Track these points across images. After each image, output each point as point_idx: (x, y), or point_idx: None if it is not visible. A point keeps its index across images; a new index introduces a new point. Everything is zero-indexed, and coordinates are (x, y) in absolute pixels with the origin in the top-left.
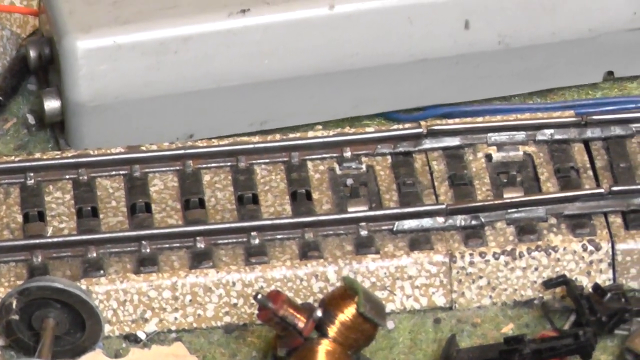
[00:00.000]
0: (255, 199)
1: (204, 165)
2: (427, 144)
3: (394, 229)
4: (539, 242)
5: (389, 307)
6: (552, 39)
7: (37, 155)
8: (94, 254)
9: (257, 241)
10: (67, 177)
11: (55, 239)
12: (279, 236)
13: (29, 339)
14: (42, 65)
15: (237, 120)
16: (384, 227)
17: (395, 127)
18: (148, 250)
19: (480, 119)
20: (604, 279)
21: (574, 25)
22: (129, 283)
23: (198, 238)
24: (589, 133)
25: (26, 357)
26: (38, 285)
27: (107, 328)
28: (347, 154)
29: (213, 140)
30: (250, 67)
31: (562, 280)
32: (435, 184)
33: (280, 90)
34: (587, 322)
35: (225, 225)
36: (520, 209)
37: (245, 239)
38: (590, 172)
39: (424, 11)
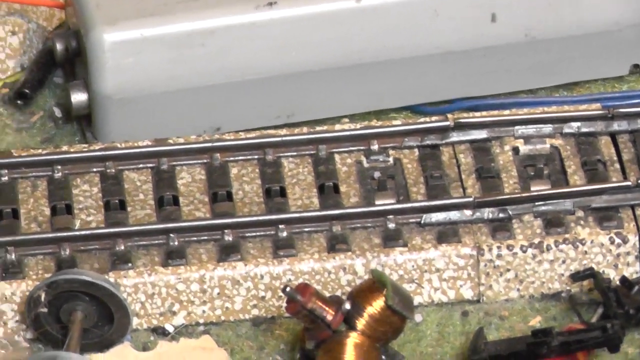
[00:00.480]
0: (282, 192)
1: (232, 158)
2: (454, 136)
3: (422, 221)
4: (567, 235)
5: (416, 300)
6: (578, 32)
7: (65, 148)
8: (122, 247)
9: (284, 234)
10: (95, 170)
11: (83, 232)
12: (306, 229)
13: (57, 332)
14: (69, 58)
15: (264, 113)
16: (411, 220)
17: (422, 120)
18: (176, 243)
19: (507, 111)
20: (632, 271)
21: (600, 17)
22: (157, 276)
23: (226, 231)
24: (616, 126)
25: (54, 350)
26: (66, 278)
27: (135, 321)
28: (375, 146)
29: (240, 133)
30: (276, 59)
31: (589, 273)
32: (463, 176)
33: (307, 82)
34: (615, 314)
35: (253, 218)
36: (547, 202)
37: (273, 232)
38: (617, 165)
39: (450, 4)
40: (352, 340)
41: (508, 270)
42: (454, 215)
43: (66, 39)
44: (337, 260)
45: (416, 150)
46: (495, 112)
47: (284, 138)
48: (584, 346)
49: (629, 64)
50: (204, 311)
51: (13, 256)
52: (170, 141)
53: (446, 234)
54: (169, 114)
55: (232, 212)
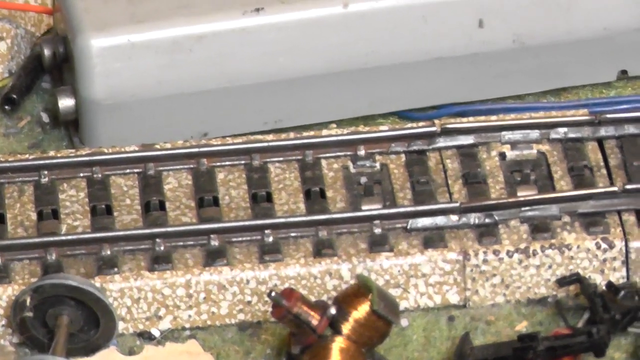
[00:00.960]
0: (269, 197)
1: (218, 164)
2: (441, 142)
3: (408, 227)
4: (553, 240)
5: (402, 304)
6: (567, 38)
7: (52, 153)
8: (108, 252)
9: (271, 239)
10: (82, 175)
11: (70, 237)
12: (292, 234)
13: (43, 336)
14: (57, 64)
15: (251, 118)
16: (397, 225)
17: (409, 125)
18: (162, 248)
19: (494, 117)
20: (618, 276)
21: (588, 24)
22: (143, 281)
23: (212, 236)
24: (603, 132)
25: (40, 355)
26: (52, 283)
27: (121, 325)
28: (361, 152)
29: (227, 138)
30: (264, 65)
31: (575, 278)
32: (449, 182)
33: (295, 88)
34: (601, 319)
35: (239, 223)
36: (534, 207)
37: (259, 237)
38: (604, 171)
39: (438, 10)
40: (338, 345)
41: (494, 275)
42: (440, 220)
43: (54, 44)
44: (323, 265)
45: (403, 155)
46: (482, 118)
47: (271, 143)
48: (570, 351)
49: (616, 69)
50: (190, 316)
51: None
52: (157, 146)
53: (432, 239)
54: (157, 120)
55: (219, 217)
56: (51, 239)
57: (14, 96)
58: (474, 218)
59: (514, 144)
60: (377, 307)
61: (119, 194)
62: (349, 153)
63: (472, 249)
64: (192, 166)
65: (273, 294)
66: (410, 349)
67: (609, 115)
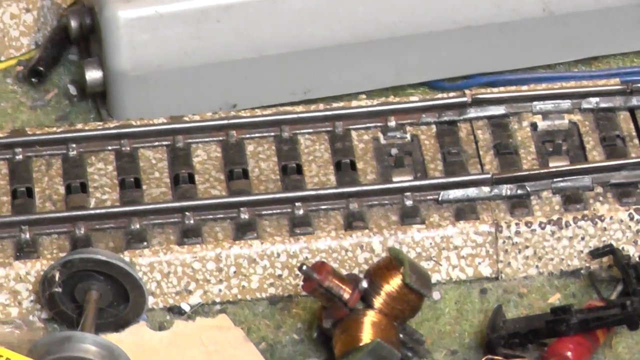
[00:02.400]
0: (299, 169)
1: (248, 136)
2: (472, 113)
3: (439, 198)
4: (585, 212)
5: (434, 277)
6: (597, 6)
7: (79, 126)
8: (137, 226)
9: (301, 212)
10: (110, 148)
11: (98, 211)
12: (323, 207)
13: (72, 312)
14: (83, 35)
15: (280, 89)
16: (429, 197)
17: (440, 96)
18: (192, 221)
19: (525, 87)
20: None
21: None
22: (172, 255)
23: (242, 209)
24: (635, 101)
25: (69, 330)
26: (81, 257)
27: (150, 300)
28: (392, 123)
29: (256, 110)
30: (292, 35)
31: (608, 250)
32: (481, 153)
33: (324, 59)
34: (635, 291)
35: (269, 195)
36: (566, 178)
37: (289, 210)
38: (636, 141)
39: None
40: (370, 318)
41: (527, 247)
42: (471, 192)
43: (80, 16)
44: (354, 238)
45: (434, 126)
46: (513, 88)
47: (300, 115)
48: (604, 324)
49: None
50: (220, 290)
51: (27, 235)
52: (186, 118)
53: (464, 211)
54: (184, 91)
55: (248, 189)
56: (79, 213)
57: (41, 68)
58: (505, 189)
59: (545, 114)
60: (409, 280)
61: (148, 166)
62: (379, 124)
63: (504, 220)
64: (221, 138)
65: (304, 267)
66: (442, 322)
67: None
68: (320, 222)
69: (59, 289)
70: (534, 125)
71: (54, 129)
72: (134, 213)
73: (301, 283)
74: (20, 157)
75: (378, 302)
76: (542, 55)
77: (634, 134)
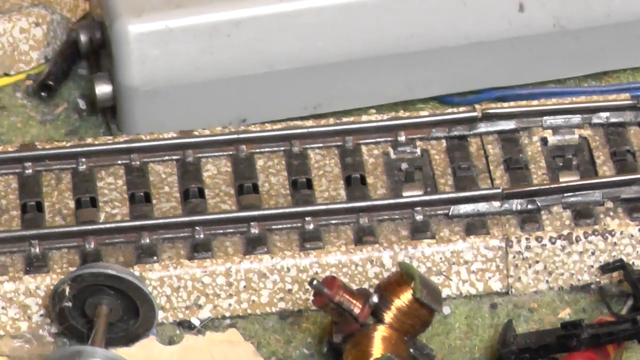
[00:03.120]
0: (309, 184)
1: (258, 150)
2: (482, 127)
3: (450, 213)
4: (596, 226)
5: (445, 292)
6: (607, 21)
7: (89, 140)
8: (147, 240)
9: (311, 226)
10: (120, 162)
11: (108, 225)
12: (333, 221)
13: (82, 326)
14: (93, 50)
15: (290, 104)
16: (439, 212)
17: (450, 110)
18: (202, 235)
19: (535, 102)
20: None
21: (629, 6)
22: (182, 269)
23: (252, 223)
24: None
25: (79, 344)
26: (91, 272)
27: (160, 315)
28: (402, 138)
29: (266, 124)
30: (303, 50)
31: (619, 265)
32: (491, 167)
33: (334, 73)
34: None
35: (279, 210)
36: (576, 193)
37: (299, 224)
38: None
39: None
40: (380, 333)
41: (537, 262)
42: (482, 206)
43: (90, 30)
44: (365, 253)
45: (444, 141)
46: (524, 103)
47: (311, 129)
48: (615, 339)
49: None
50: (230, 304)
51: (37, 250)
52: (196, 133)
53: (474, 225)
54: (194, 106)
55: (258, 204)
56: (90, 227)
57: (51, 82)
58: (516, 204)
59: (555, 129)
60: (419, 295)
61: (158, 181)
62: (389, 139)
63: (515, 235)
64: (231, 153)
65: (315, 282)
66: (453, 336)
67: None
68: (331, 237)
69: (69, 304)
70: (544, 140)
71: (64, 143)
72: (144, 227)
73: (311, 298)
74: (30, 171)
75: (389, 316)
76: (553, 70)
77: None
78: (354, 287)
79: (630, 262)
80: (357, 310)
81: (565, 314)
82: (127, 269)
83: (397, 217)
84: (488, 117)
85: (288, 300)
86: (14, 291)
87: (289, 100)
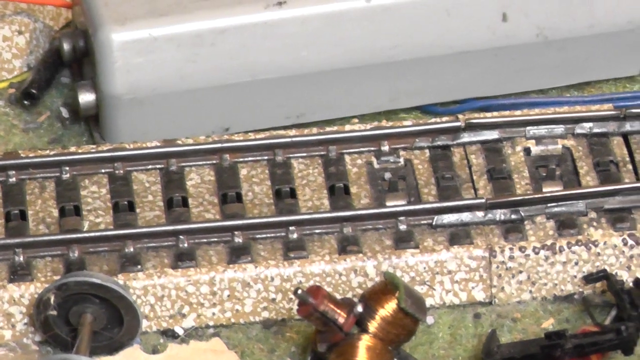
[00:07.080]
0: (293, 193)
1: (241, 159)
2: (466, 137)
3: (433, 223)
4: (579, 237)
5: (428, 302)
6: (591, 32)
7: (72, 149)
8: (131, 249)
9: (295, 236)
10: (103, 171)
11: (92, 234)
12: (317, 231)
13: (66, 335)
14: (76, 58)
15: (273, 113)
16: (423, 222)
17: (433, 120)
18: (185, 245)
19: (518, 112)
20: None
21: (612, 17)
22: (166, 278)
23: (236, 232)
24: (628, 126)
25: (64, 353)
26: (76, 281)
27: (144, 323)
28: (385, 147)
29: (250, 133)
30: (287, 59)
31: (602, 275)
32: (474, 177)
33: (317, 83)
34: (629, 316)
35: (263, 219)
36: (560, 203)
37: (283, 234)
38: (630, 166)
39: (462, 3)
40: (365, 343)
41: (520, 272)
42: (465, 216)
43: (73, 38)
44: (348, 262)
45: (427, 151)
46: (507, 113)
47: (294, 139)
48: (598, 349)
49: None
50: (214, 313)
51: (21, 258)
52: (179, 142)
53: (458, 235)
54: (178, 115)
55: (242, 213)
56: (73, 236)
57: (33, 91)
58: (499, 214)
59: (538, 139)
60: (404, 305)
61: (141, 190)
62: (372, 148)
63: (498, 245)
64: (214, 162)
65: (299, 291)
66: (436, 346)
67: (634, 110)
68: (315, 246)
69: (54, 312)
70: (527, 150)
71: (48, 151)
72: (128, 236)
73: (295, 307)
74: (13, 179)
75: (373, 326)
76: (536, 80)
77: (628, 159)
78: (338, 296)
79: (614, 273)
80: (341, 320)
81: (549, 324)
82: (111, 277)
83: (380, 226)
84: (471, 127)
85: (272, 310)
86: None
87: (272, 110)
